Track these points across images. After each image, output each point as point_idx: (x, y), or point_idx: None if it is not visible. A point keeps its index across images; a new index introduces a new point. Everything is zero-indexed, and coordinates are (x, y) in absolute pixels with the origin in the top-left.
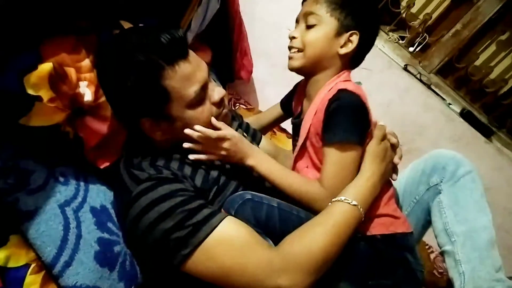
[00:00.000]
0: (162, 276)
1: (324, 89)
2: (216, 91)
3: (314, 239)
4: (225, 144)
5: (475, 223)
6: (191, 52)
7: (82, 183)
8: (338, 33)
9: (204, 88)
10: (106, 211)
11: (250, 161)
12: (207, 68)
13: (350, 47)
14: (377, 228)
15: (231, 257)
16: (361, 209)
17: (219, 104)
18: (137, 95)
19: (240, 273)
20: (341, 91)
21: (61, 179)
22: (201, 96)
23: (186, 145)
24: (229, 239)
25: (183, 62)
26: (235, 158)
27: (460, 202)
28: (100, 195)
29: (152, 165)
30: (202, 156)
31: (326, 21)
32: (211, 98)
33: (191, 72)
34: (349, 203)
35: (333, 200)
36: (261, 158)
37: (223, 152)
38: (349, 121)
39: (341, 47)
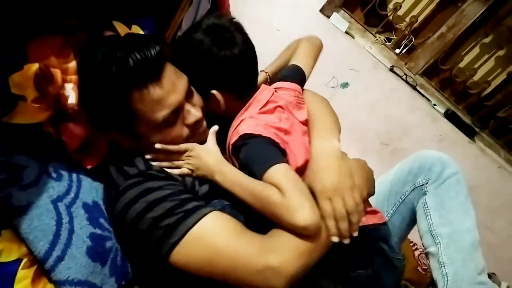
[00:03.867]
0: (152, 272)
1: (233, 125)
2: (192, 114)
3: None
4: (189, 159)
5: (459, 225)
6: (167, 71)
7: (74, 179)
8: (204, 98)
9: (175, 111)
10: (98, 207)
11: (216, 177)
12: (185, 87)
13: (222, 102)
14: None
15: (223, 237)
16: None
17: (192, 127)
18: (104, 111)
19: (232, 254)
20: (241, 137)
21: (54, 174)
22: (171, 120)
23: (148, 156)
24: (220, 224)
25: (153, 85)
26: (200, 172)
27: (445, 204)
28: (92, 191)
29: (144, 159)
30: (164, 163)
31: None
32: (186, 119)
33: (162, 96)
34: None
35: None
36: (226, 172)
37: (188, 166)
38: (262, 153)
39: (215, 106)
